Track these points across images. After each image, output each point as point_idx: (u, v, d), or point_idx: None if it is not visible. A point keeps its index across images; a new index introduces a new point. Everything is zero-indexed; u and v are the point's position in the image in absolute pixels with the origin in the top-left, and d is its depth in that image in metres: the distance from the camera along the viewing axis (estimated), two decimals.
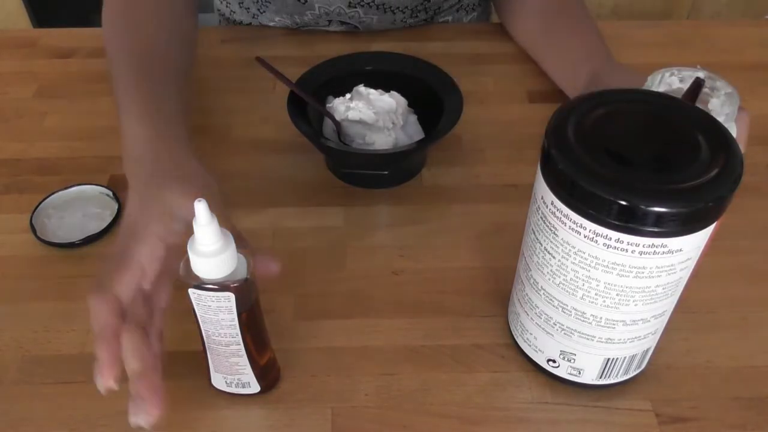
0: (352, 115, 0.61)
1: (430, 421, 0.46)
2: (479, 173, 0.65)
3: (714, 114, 0.51)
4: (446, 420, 0.46)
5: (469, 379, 0.48)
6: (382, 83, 0.64)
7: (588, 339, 0.43)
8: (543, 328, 0.45)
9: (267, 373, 0.46)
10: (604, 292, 0.40)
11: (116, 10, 0.65)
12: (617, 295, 0.40)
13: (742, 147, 0.52)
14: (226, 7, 0.89)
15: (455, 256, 0.57)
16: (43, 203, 0.60)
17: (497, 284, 0.54)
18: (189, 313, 0.52)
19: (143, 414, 0.39)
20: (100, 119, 0.71)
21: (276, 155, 0.67)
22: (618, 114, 0.41)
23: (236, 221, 0.59)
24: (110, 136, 0.69)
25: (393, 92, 0.64)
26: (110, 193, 0.61)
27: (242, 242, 0.44)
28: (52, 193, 0.61)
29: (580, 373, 0.46)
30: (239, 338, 0.42)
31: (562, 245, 0.40)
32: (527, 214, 0.44)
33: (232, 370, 0.44)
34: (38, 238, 0.57)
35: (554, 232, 0.40)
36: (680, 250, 0.37)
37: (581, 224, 0.37)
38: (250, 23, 0.88)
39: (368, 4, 0.80)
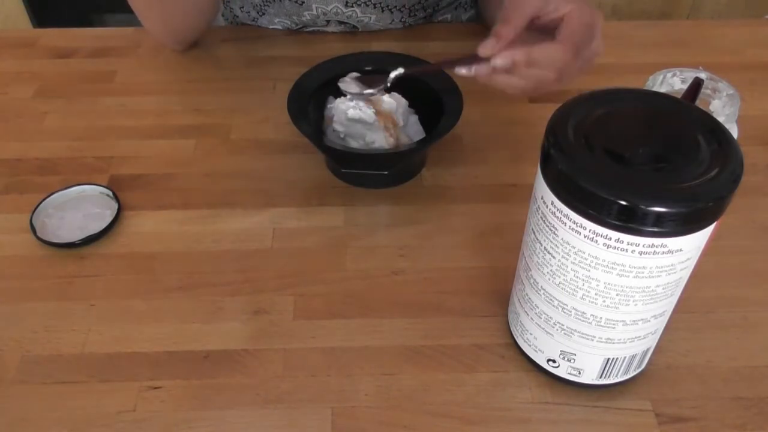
0: (352, 114, 0.61)
1: (430, 421, 0.46)
2: (479, 173, 0.65)
3: (715, 115, 0.51)
4: (446, 420, 0.46)
5: (469, 379, 0.48)
6: None
7: (588, 339, 0.43)
8: (543, 328, 0.45)
9: None
10: (604, 292, 0.40)
11: None
12: (617, 295, 0.40)
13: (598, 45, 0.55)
14: (230, 12, 0.89)
15: (455, 256, 0.57)
16: (43, 203, 0.60)
17: (497, 284, 0.54)
18: (189, 313, 0.52)
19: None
20: (100, 119, 0.71)
21: (276, 155, 0.67)
22: (618, 114, 0.41)
23: (236, 221, 0.60)
24: (110, 136, 0.69)
25: (393, 92, 0.63)
26: (110, 193, 0.61)
27: None
28: (52, 193, 0.61)
29: (580, 373, 0.46)
30: None
31: (562, 245, 0.40)
32: (527, 214, 0.44)
33: None
34: (38, 238, 0.57)
35: (554, 232, 0.40)
36: (680, 250, 0.37)
37: (581, 224, 0.37)
38: (250, 25, 0.88)
39: (365, 3, 0.80)
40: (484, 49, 0.52)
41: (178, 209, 0.61)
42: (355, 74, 0.62)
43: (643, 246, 0.37)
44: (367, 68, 0.66)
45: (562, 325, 0.43)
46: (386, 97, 0.63)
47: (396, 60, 0.67)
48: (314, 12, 0.81)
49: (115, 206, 0.60)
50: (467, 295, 0.54)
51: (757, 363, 0.49)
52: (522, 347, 0.49)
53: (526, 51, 0.52)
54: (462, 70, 0.54)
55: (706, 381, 0.48)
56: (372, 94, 0.60)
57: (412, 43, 0.81)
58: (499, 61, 0.52)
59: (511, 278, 0.49)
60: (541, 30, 0.55)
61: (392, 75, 0.58)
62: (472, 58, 0.53)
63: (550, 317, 0.44)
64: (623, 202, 0.35)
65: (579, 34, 0.53)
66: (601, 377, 0.46)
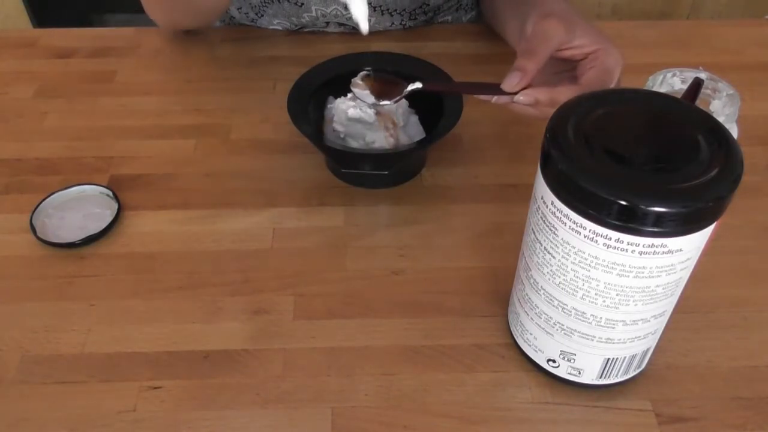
0: (352, 114, 0.61)
1: (430, 421, 0.46)
2: (479, 173, 0.65)
3: (715, 115, 0.51)
4: (446, 420, 0.46)
5: (469, 379, 0.48)
6: None
7: (588, 339, 0.43)
8: (543, 328, 0.45)
9: None
10: (604, 292, 0.40)
11: None
12: (617, 295, 0.40)
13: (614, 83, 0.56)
14: (226, 13, 0.89)
15: (455, 256, 0.57)
16: (43, 203, 0.60)
17: (497, 284, 0.54)
18: (189, 313, 0.53)
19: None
20: (100, 119, 0.71)
21: (276, 155, 0.67)
22: (618, 114, 0.41)
23: (236, 221, 0.60)
24: (110, 136, 0.69)
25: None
26: (110, 193, 0.61)
27: None
28: (52, 193, 0.61)
29: (580, 373, 0.46)
30: None
31: (562, 245, 0.40)
32: (527, 214, 0.44)
33: None
34: (38, 238, 0.57)
35: (554, 232, 0.40)
36: (680, 250, 0.37)
37: (581, 224, 0.37)
38: (249, 26, 0.88)
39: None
40: (509, 85, 0.53)
41: (178, 209, 0.61)
42: (364, 73, 0.61)
43: (643, 246, 0.37)
44: (367, 68, 0.66)
45: (562, 325, 0.43)
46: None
47: (396, 60, 0.67)
48: (314, 14, 0.81)
49: (115, 206, 0.60)
50: (467, 295, 0.54)
51: (757, 363, 0.49)
52: (522, 347, 0.49)
53: (549, 93, 0.53)
54: (481, 97, 0.55)
55: (706, 381, 0.48)
56: (386, 105, 0.60)
57: (412, 43, 0.81)
58: (522, 99, 0.53)
59: (511, 278, 0.49)
60: (561, 59, 0.55)
61: (409, 88, 0.58)
62: (494, 88, 0.54)
63: (550, 317, 0.44)
64: (623, 202, 0.35)
65: (600, 80, 0.55)
66: (601, 377, 0.46)
